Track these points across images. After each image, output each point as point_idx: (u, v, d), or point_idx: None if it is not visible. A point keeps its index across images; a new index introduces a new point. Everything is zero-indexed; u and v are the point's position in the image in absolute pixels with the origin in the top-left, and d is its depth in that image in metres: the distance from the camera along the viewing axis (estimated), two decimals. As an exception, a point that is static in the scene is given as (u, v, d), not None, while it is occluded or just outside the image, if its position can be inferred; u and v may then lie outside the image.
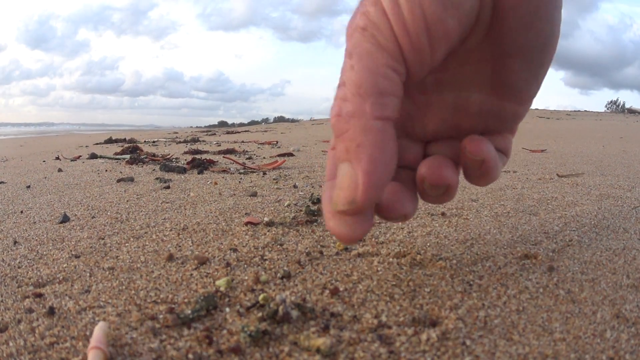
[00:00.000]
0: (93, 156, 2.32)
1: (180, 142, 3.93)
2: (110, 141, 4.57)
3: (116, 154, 2.42)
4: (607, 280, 0.56)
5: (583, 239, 0.73)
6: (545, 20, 0.34)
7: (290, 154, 2.29)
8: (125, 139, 4.78)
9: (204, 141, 4.01)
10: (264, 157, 2.21)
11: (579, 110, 16.12)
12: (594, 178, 1.43)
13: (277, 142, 3.57)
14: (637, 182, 1.35)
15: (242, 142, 3.76)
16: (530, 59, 0.36)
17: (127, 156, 2.21)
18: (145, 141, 4.26)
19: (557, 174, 1.46)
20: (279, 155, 2.21)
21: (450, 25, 0.31)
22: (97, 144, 4.38)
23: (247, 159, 2.15)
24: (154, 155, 2.30)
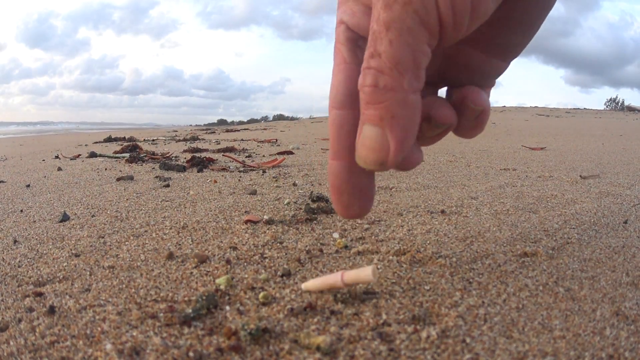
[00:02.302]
0: (92, 155, 2.32)
1: (179, 140, 3.92)
2: (109, 140, 4.55)
3: (116, 152, 2.42)
4: (607, 277, 0.56)
5: (582, 237, 0.73)
6: None
7: (289, 152, 2.29)
8: (124, 138, 4.76)
9: (203, 139, 4.01)
10: (264, 155, 2.21)
11: (578, 108, 16.10)
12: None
13: (276, 140, 3.57)
14: (636, 180, 1.35)
15: (242, 140, 3.76)
16: (532, 23, 0.38)
17: (127, 155, 2.21)
18: (144, 140, 4.25)
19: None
20: (279, 154, 2.21)
21: (492, 5, 0.32)
22: (96, 142, 4.36)
23: (246, 157, 2.15)
24: (153, 153, 2.30)
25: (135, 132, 8.16)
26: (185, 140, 3.89)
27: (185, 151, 2.50)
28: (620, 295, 0.51)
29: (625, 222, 0.82)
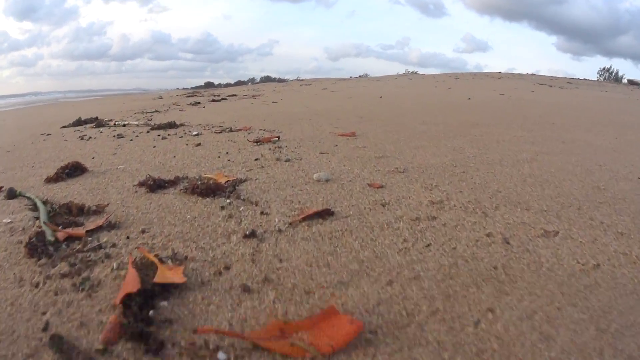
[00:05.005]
0: (11, 195, 1.51)
1: (154, 128, 3.31)
2: (79, 123, 4.01)
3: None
4: None
5: None
6: None
7: (326, 211, 1.25)
8: (97, 117, 4.25)
9: (182, 124, 3.45)
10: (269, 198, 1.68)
11: (578, 78, 15.52)
12: None
13: (278, 137, 2.56)
14: None
15: (230, 130, 3.18)
16: None
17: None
18: (115, 124, 3.67)
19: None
20: (304, 218, 1.21)
21: None
22: (64, 127, 3.84)
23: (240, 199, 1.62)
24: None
25: (120, 98, 7.84)
26: (159, 127, 3.26)
27: (139, 185, 1.62)
28: None
29: None
